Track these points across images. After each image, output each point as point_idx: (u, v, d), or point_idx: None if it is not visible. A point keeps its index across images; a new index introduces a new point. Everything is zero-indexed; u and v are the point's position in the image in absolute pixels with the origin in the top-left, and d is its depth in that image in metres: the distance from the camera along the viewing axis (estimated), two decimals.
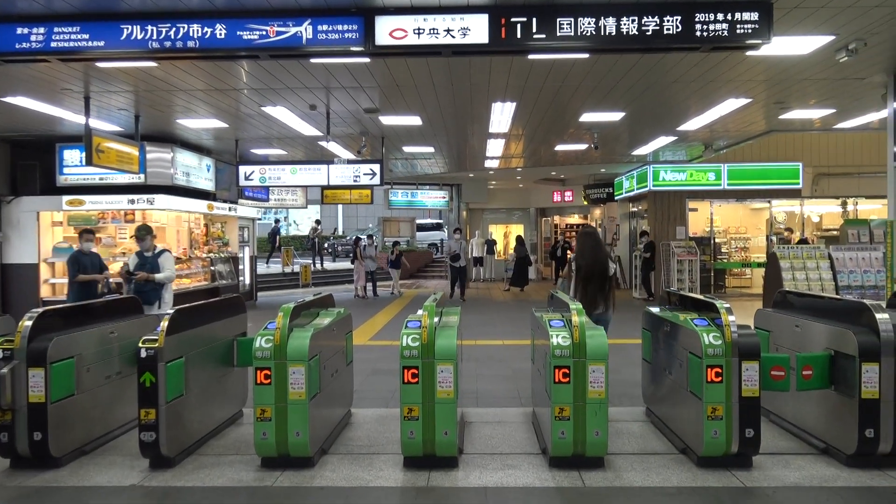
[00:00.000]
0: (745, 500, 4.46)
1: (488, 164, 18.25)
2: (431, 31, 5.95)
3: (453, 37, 5.95)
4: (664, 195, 18.70)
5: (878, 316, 4.92)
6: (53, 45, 6.09)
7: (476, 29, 5.92)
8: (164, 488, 4.73)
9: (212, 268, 15.61)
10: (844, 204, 19.24)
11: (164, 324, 5.07)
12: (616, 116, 11.21)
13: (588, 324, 5.11)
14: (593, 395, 4.90)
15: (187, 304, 5.62)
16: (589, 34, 5.88)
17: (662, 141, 14.20)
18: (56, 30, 6.06)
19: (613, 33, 5.88)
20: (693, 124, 11.93)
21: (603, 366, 4.90)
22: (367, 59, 7.56)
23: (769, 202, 19.51)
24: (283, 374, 4.97)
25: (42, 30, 6.07)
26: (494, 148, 15.11)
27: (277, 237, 28.70)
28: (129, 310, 6.48)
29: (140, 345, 5.00)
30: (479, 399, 7.29)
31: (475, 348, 10.30)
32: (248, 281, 17.96)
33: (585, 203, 25.63)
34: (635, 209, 21.67)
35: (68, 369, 5.19)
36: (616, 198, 22.27)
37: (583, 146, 14.34)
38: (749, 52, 6.88)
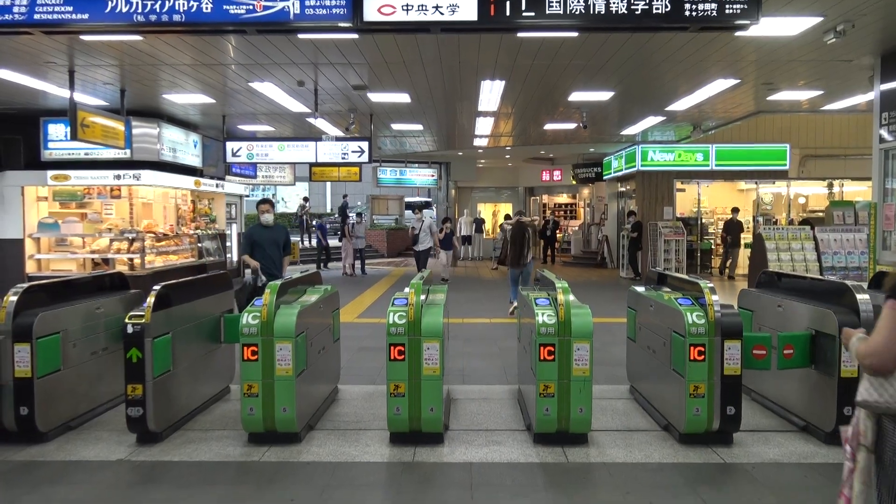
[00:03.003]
0: (725, 475, 4.54)
1: (477, 142, 18.21)
2: (420, 8, 5.89)
3: (442, 14, 5.89)
4: (652, 175, 18.73)
5: (859, 296, 4.99)
6: (36, 17, 5.98)
7: (465, 6, 5.85)
8: (152, 462, 4.76)
9: (199, 244, 15.54)
10: (831, 185, 19.38)
11: (151, 300, 5.07)
12: (605, 96, 11.21)
13: (574, 302, 5.15)
14: (578, 373, 4.95)
15: (174, 281, 5.62)
16: (578, 13, 5.84)
17: (651, 121, 14.22)
18: (39, 1, 5.95)
19: (603, 12, 5.84)
20: (682, 104, 11.95)
21: (588, 344, 4.95)
22: (355, 35, 7.50)
23: (756, 183, 19.62)
24: (271, 351, 5.00)
25: (25, 1, 5.97)
26: (483, 126, 15.07)
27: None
28: (115, 286, 6.47)
29: (127, 320, 5.01)
30: (466, 377, 7.35)
31: (462, 326, 10.36)
32: (235, 258, 17.90)
33: (574, 182, 25.67)
34: (623, 189, 21.72)
35: (54, 344, 5.19)
36: (604, 177, 22.29)
37: (572, 125, 14.34)
38: (738, 33, 6.88)
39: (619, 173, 20.22)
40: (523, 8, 5.87)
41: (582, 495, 4.26)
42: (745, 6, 5.82)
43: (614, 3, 5.86)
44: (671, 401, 5.31)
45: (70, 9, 5.98)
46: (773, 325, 5.83)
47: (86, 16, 6.00)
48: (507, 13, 5.88)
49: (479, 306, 12.69)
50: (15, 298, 5.09)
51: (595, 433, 5.27)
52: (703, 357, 4.95)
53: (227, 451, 4.97)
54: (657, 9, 5.84)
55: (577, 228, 26.30)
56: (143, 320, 4.98)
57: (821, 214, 19.88)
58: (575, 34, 7.03)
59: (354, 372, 7.40)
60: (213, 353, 6.11)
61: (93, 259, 13.16)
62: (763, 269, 7.54)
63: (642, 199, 19.28)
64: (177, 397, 5.41)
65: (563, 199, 29.81)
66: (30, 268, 12.89)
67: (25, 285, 5.29)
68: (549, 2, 5.86)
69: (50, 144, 12.86)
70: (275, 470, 4.61)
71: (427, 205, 34.89)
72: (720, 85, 10.31)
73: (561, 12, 5.86)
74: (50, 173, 12.83)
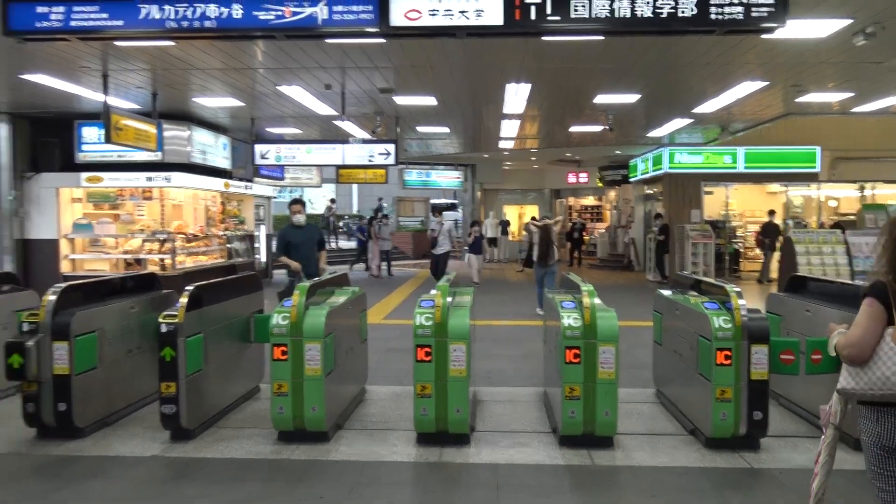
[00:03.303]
0: (752, 480, 4.54)
1: (503, 144, 18.23)
2: (446, 13, 5.95)
3: (468, 18, 5.95)
4: (679, 178, 18.60)
5: None
6: (73, 24, 6.14)
7: (490, 10, 5.90)
8: (185, 459, 4.87)
9: (228, 245, 15.77)
10: (862, 188, 19.09)
11: (184, 300, 5.19)
12: (631, 98, 11.18)
13: (599, 305, 5.17)
14: (603, 376, 4.98)
15: (206, 281, 5.74)
16: (603, 16, 5.86)
17: (678, 123, 14.13)
18: (75, 9, 6.10)
19: (628, 16, 5.85)
20: (709, 106, 11.87)
21: (613, 347, 4.97)
22: (382, 40, 7.58)
23: (785, 186, 19.39)
24: (300, 351, 5.08)
25: (61, 9, 6.12)
26: (509, 129, 15.09)
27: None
28: (148, 286, 6.62)
29: (160, 320, 5.13)
30: (492, 378, 7.38)
31: (489, 329, 10.39)
32: (263, 259, 18.12)
33: (600, 185, 25.57)
34: (650, 191, 21.59)
35: (91, 343, 5.33)
36: (631, 180, 22.19)
37: (598, 127, 14.30)
38: (764, 36, 6.84)
39: (646, 175, 20.12)
40: (548, 12, 5.90)
41: (607, 497, 4.29)
42: (773, 9, 5.80)
43: (639, 6, 5.87)
44: (697, 405, 5.30)
45: (105, 16, 6.13)
46: (802, 329, 5.78)
47: (120, 22, 6.14)
48: (533, 17, 5.91)
49: (506, 308, 12.71)
50: (54, 298, 5.24)
51: (621, 436, 5.28)
52: (729, 361, 4.94)
53: (257, 448, 5.07)
54: (683, 12, 5.84)
55: (603, 231, 26.18)
56: (177, 320, 5.10)
57: (853, 218, 19.64)
58: (600, 38, 7.02)
59: (382, 373, 7.48)
60: (244, 352, 6.23)
61: (125, 259, 13.41)
62: (792, 273, 7.49)
63: (669, 201, 19.16)
64: (209, 395, 5.52)
65: (590, 201, 29.70)
66: (64, 267, 13.18)
67: (63, 285, 5.44)
68: (575, 6, 5.89)
69: (84, 147, 13.13)
70: (304, 468, 4.70)
71: (453, 207, 34.92)
72: (748, 87, 10.23)
73: (586, 16, 5.88)
74: (84, 175, 13.10)
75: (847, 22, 6.98)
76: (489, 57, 8.66)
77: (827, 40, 7.66)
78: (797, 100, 11.42)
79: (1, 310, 6.35)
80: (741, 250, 20.11)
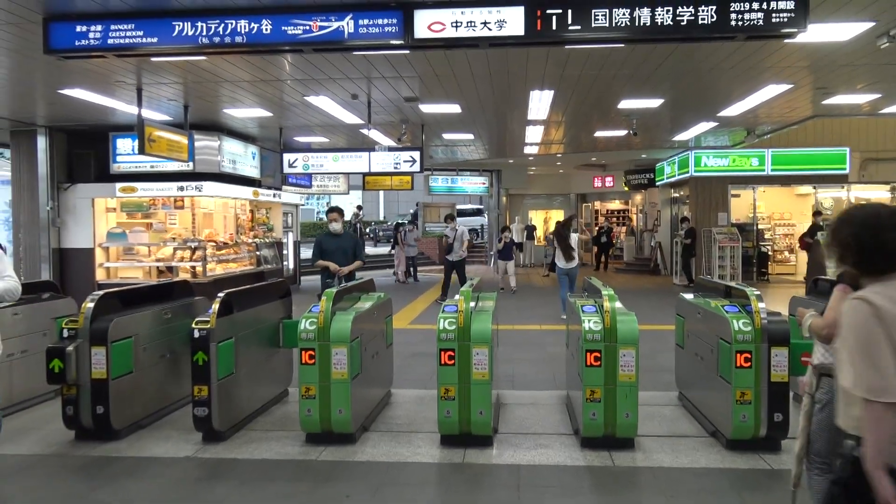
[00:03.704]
0: (771, 481, 4.59)
1: (528, 150, 18.30)
2: (469, 24, 6.11)
3: (490, 29, 6.09)
4: (706, 181, 18.52)
5: None
6: (110, 41, 6.41)
7: (512, 21, 6.05)
8: (217, 460, 5.05)
9: (257, 252, 16.06)
10: (893, 190, 18.83)
11: (216, 306, 5.38)
12: (655, 103, 11.21)
13: (620, 309, 5.25)
14: (624, 378, 5.06)
15: (236, 288, 5.93)
16: (624, 25, 5.96)
17: (703, 126, 14.10)
18: (112, 27, 6.37)
19: (648, 24, 5.95)
20: (734, 110, 11.84)
21: (633, 350, 5.05)
22: (406, 52, 7.74)
23: (814, 188, 19.19)
24: (327, 355, 5.24)
25: (99, 27, 6.40)
26: (533, 134, 15.18)
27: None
28: (181, 293, 6.84)
29: (193, 326, 5.32)
30: (515, 382, 7.48)
31: (512, 333, 10.48)
32: (291, 265, 18.40)
33: (626, 189, 25.49)
34: (677, 195, 21.49)
35: (127, 348, 5.55)
36: (657, 183, 22.10)
37: (622, 132, 14.32)
38: (786, 41, 6.86)
39: (672, 179, 20.04)
40: (569, 22, 6.02)
41: (626, 498, 4.37)
42: (792, 14, 5.86)
43: (660, 14, 5.96)
44: (718, 407, 5.36)
45: (140, 33, 6.39)
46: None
47: (155, 39, 6.40)
48: (554, 27, 6.04)
49: (530, 313, 12.79)
50: (92, 305, 5.47)
51: (642, 438, 5.35)
52: (749, 364, 4.99)
53: (286, 450, 5.23)
54: (703, 19, 5.92)
55: (629, 235, 26.09)
56: (209, 325, 5.29)
57: None
58: (622, 45, 7.11)
59: (407, 376, 7.61)
60: (273, 357, 6.40)
61: (158, 267, 13.74)
62: (818, 276, 7.49)
63: (696, 204, 19.08)
64: (239, 399, 5.70)
65: (616, 205, 29.60)
66: (99, 275, 13.54)
67: (101, 293, 5.67)
68: (595, 15, 6.00)
69: (118, 158, 13.50)
70: (331, 468, 4.85)
71: (479, 212, 35.08)
72: (772, 90, 10.21)
73: (607, 25, 5.99)
74: (118, 185, 13.47)
75: (869, 25, 6.98)
76: (512, 65, 8.77)
77: (850, 43, 7.65)
78: (824, 102, 11.35)
79: (41, 317, 6.61)
80: (769, 253, 19.95)
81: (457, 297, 5.38)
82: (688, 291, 6.86)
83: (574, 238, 12.80)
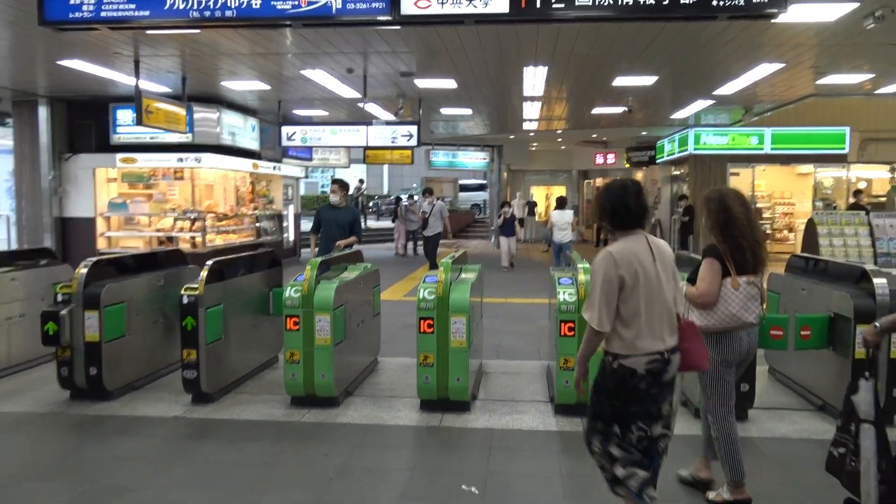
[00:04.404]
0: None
1: (527, 126, 18.36)
2: (454, 1, 6.16)
3: (475, 6, 6.16)
4: (705, 159, 18.55)
5: (876, 280, 5.12)
6: (103, 14, 6.50)
7: None
8: (204, 420, 5.27)
9: (257, 224, 16.24)
10: (893, 170, 18.85)
11: (204, 273, 5.57)
12: (650, 80, 11.26)
13: None
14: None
15: (225, 257, 6.11)
16: (607, 4, 6.02)
17: (700, 104, 14.14)
18: (105, 0, 6.49)
19: (630, 3, 5.99)
20: (729, 88, 11.89)
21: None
22: (396, 28, 7.82)
23: (814, 167, 19.22)
24: (311, 322, 5.43)
25: (93, 0, 6.52)
26: (532, 111, 15.24)
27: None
28: (174, 261, 7.03)
29: (182, 292, 5.52)
30: (500, 352, 7.68)
31: (503, 306, 10.67)
32: (291, 237, 18.58)
33: (627, 166, 25.52)
34: (677, 172, 21.54)
35: (120, 313, 5.75)
36: (658, 161, 22.16)
37: (620, 109, 14.36)
38: (772, 21, 6.91)
39: (672, 157, 20.09)
40: (553, 0, 6.10)
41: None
42: None
43: None
44: (687, 376, 5.53)
45: (133, 6, 6.48)
46: (797, 307, 5.95)
47: (147, 13, 6.49)
48: (538, 5, 6.10)
49: (524, 287, 12.97)
50: (85, 271, 5.66)
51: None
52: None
53: (271, 412, 5.44)
54: None
55: None
56: (197, 292, 5.48)
57: (883, 199, 19.39)
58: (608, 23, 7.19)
59: (396, 346, 7.80)
60: (262, 324, 6.60)
61: (158, 237, 13.93)
62: (814, 254, 7.63)
63: (695, 183, 19.13)
64: (227, 363, 5.91)
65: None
66: (100, 244, 13.74)
67: (94, 259, 5.86)
68: None
69: (119, 129, 13.62)
70: (312, 429, 5.07)
71: (482, 188, 35.14)
72: (765, 69, 10.25)
73: (590, 3, 6.05)
74: (119, 156, 13.62)
75: (854, 6, 7.04)
76: (504, 41, 8.85)
77: (838, 23, 7.70)
78: (819, 82, 11.39)
79: (39, 282, 6.82)
80: (768, 232, 20.03)
81: (439, 268, 5.56)
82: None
83: (568, 214, 12.97)
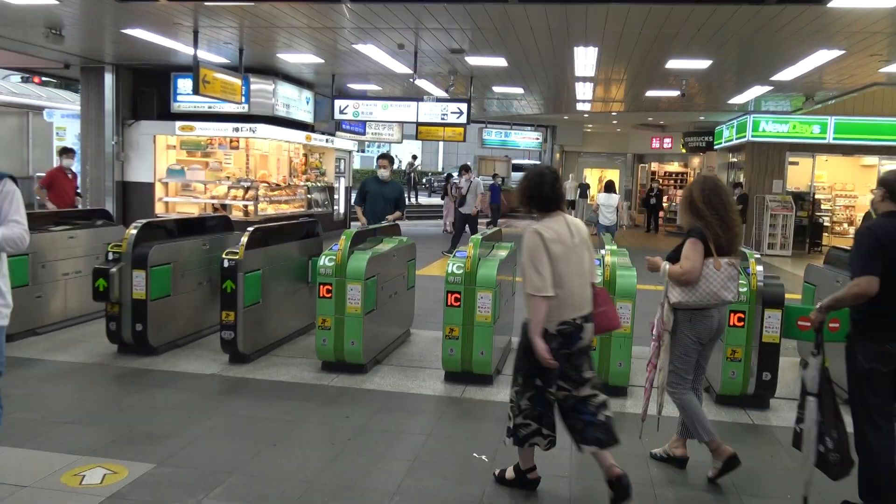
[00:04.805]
0: (749, 434, 4.80)
1: (581, 107, 18.21)
2: None
3: None
4: (763, 146, 18.09)
5: None
6: None
7: None
8: (238, 378, 5.55)
9: (309, 195, 16.61)
10: None
11: (244, 239, 5.82)
12: (703, 64, 11.06)
13: (621, 264, 5.48)
14: (619, 330, 5.30)
15: (266, 224, 6.36)
16: None
17: (758, 90, 13.79)
18: None
19: None
20: (787, 74, 11.58)
21: (630, 303, 5.31)
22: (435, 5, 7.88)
23: (879, 159, 18.53)
24: (343, 290, 5.62)
25: None
26: (584, 91, 15.12)
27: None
28: (221, 226, 7.33)
29: (223, 256, 5.78)
30: None
31: None
32: (342, 210, 18.93)
33: (683, 151, 25.06)
34: (734, 160, 21.06)
35: (165, 273, 6.07)
36: (715, 147, 21.69)
37: (674, 92, 14.14)
38: (827, 5, 6.75)
39: (730, 143, 19.67)
40: None
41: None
42: None
43: None
44: (712, 364, 5.54)
45: None
46: None
47: None
48: None
49: None
50: (135, 232, 5.99)
51: (637, 388, 5.59)
52: (742, 323, 5.17)
53: (302, 374, 5.69)
54: None
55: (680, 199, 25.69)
56: (237, 256, 5.73)
57: None
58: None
59: (431, 319, 7.93)
60: (300, 291, 6.84)
61: (213, 204, 14.40)
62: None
63: (751, 170, 18.68)
64: (264, 326, 6.18)
65: (674, 167, 29.11)
66: (158, 209, 14.30)
67: (144, 221, 6.19)
68: None
69: (179, 97, 14.10)
70: (338, 393, 5.29)
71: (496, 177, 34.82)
72: (824, 56, 9.96)
73: None
74: (178, 124, 14.11)
75: None
76: (553, 20, 8.82)
77: None
78: (882, 70, 11.01)
79: (94, 242, 7.21)
80: (827, 224, 19.46)
81: (469, 244, 5.68)
82: None
83: (614, 198, 12.96)
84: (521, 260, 3.54)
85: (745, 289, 5.16)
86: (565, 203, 3.88)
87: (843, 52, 9.73)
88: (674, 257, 4.02)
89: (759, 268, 5.22)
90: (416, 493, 3.73)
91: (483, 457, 4.21)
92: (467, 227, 14.43)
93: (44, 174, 10.59)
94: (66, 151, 10.07)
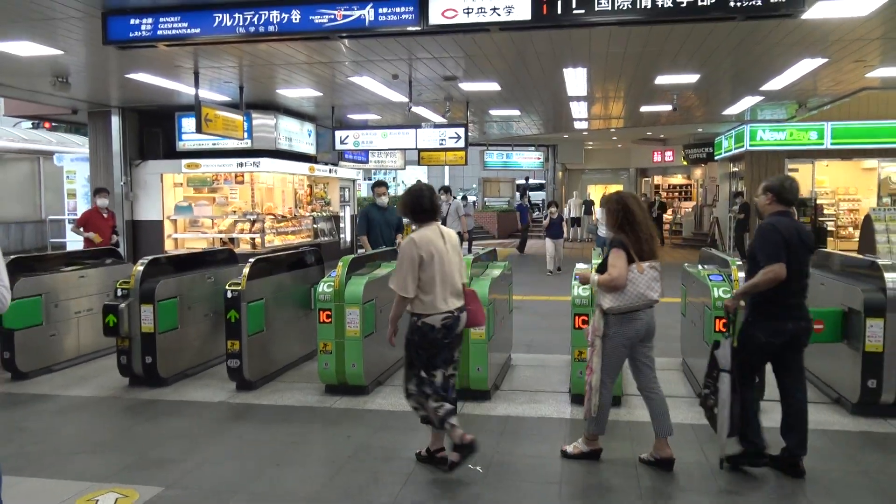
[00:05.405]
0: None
1: (578, 125, 18.48)
2: (479, 10, 6.51)
3: (499, 15, 6.49)
4: (762, 155, 18.21)
5: (887, 275, 5.19)
6: (159, 32, 7.14)
7: (519, 6, 6.41)
8: (245, 404, 5.76)
9: (315, 225, 16.90)
10: None
11: (246, 269, 6.06)
12: (692, 78, 11.30)
13: None
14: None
15: (268, 255, 6.60)
16: (626, 8, 6.25)
17: (750, 100, 14.01)
18: (161, 20, 7.09)
19: (649, 6, 6.21)
20: (775, 84, 11.79)
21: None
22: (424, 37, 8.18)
23: (878, 162, 18.62)
24: (342, 315, 5.82)
25: (150, 20, 7.12)
26: (579, 110, 15.39)
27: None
28: (225, 259, 7.58)
29: (227, 287, 6.02)
30: (532, 347, 7.94)
31: (542, 303, 10.90)
32: (348, 238, 19.21)
33: (685, 163, 25.24)
34: (736, 169, 21.21)
35: (172, 307, 6.31)
36: (716, 157, 21.86)
37: (667, 107, 14.37)
38: (800, 17, 6.95)
39: (730, 153, 19.82)
40: (574, 6, 6.36)
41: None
42: None
43: None
44: (704, 370, 5.69)
45: (185, 24, 7.09)
46: (817, 302, 5.99)
47: (198, 30, 7.10)
48: (559, 11, 6.40)
49: (567, 285, 13.10)
50: (141, 268, 6.25)
51: (629, 396, 5.75)
52: (727, 329, 5.32)
53: (305, 398, 5.89)
54: (703, 0, 6.16)
55: (689, 210, 25.86)
56: (240, 287, 5.97)
57: None
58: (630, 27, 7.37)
59: None
60: (304, 318, 7.05)
61: (220, 238, 14.71)
62: (870, 252, 7.62)
63: (751, 179, 18.79)
64: (269, 353, 6.39)
65: (678, 179, 29.30)
66: (167, 245, 14.63)
67: (150, 257, 6.45)
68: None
69: (184, 136, 14.49)
70: (341, 415, 5.48)
71: (541, 187, 35.21)
72: (809, 64, 10.17)
73: (609, 8, 6.30)
74: (184, 162, 14.48)
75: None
76: (539, 45, 9.10)
77: (872, 17, 7.65)
78: (869, 74, 11.20)
79: (104, 280, 7.46)
80: (830, 229, 19.51)
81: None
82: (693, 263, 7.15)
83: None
84: (398, 259, 4.23)
85: (727, 295, 5.32)
86: (440, 214, 4.54)
87: (826, 60, 9.93)
88: (602, 269, 4.35)
89: (741, 274, 5.38)
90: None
91: (478, 468, 4.38)
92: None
93: (78, 215, 10.81)
94: (99, 191, 10.27)
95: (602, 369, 4.36)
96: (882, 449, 4.79)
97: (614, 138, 24.20)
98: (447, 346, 4.24)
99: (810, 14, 7.31)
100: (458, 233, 15.25)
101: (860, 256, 5.96)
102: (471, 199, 26.23)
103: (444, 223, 14.89)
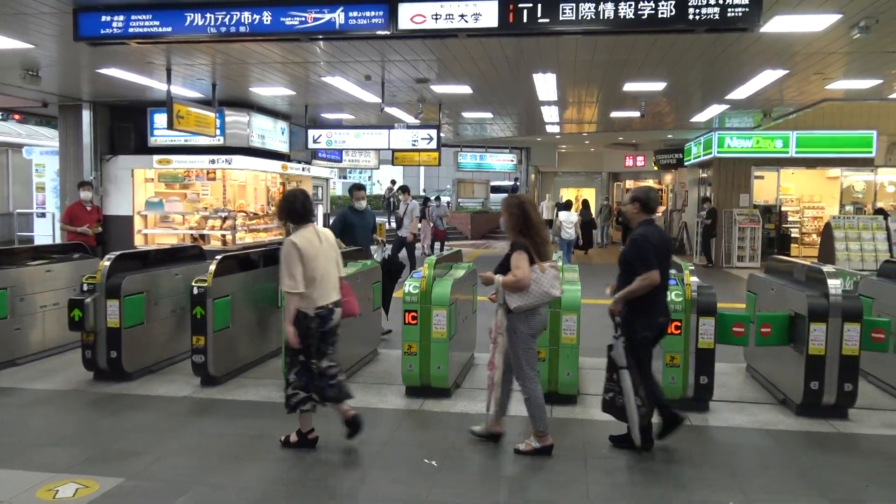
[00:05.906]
0: (692, 434, 5.12)
1: (550, 129, 18.71)
2: (447, 17, 6.67)
3: (466, 21, 6.64)
4: (729, 162, 18.58)
5: (830, 282, 5.43)
6: (130, 30, 7.18)
7: (486, 14, 6.58)
8: (209, 399, 5.85)
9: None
10: None
11: (212, 267, 6.14)
12: (659, 86, 11.55)
13: (568, 279, 5.83)
14: (566, 341, 5.73)
15: (234, 252, 6.68)
16: (589, 18, 6.44)
17: (717, 109, 14.33)
18: (133, 18, 7.13)
19: (611, 17, 6.41)
20: (739, 93, 12.09)
21: (575, 315, 5.68)
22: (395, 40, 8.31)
23: (848, 171, 19.11)
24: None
25: (121, 18, 7.16)
26: (551, 114, 15.60)
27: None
28: (194, 256, 7.64)
29: (193, 283, 6.10)
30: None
31: None
32: None
33: (656, 168, 25.62)
34: (704, 175, 21.60)
35: (139, 302, 6.37)
36: (685, 163, 22.23)
37: (635, 113, 14.64)
38: (759, 31, 7.18)
39: (698, 160, 20.17)
40: (539, 15, 6.54)
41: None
42: (747, 9, 6.25)
43: (622, 8, 6.44)
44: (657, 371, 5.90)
45: (157, 23, 7.15)
46: (768, 307, 6.28)
47: (169, 29, 7.15)
48: (525, 20, 6.57)
49: None
50: (108, 263, 6.30)
51: (585, 396, 5.94)
52: (679, 331, 5.53)
53: (270, 394, 5.98)
54: (662, 13, 6.38)
55: (658, 215, 26.24)
56: (206, 284, 6.05)
57: None
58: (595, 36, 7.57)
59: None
60: (270, 316, 7.13)
61: (191, 234, 14.68)
62: (830, 258, 7.88)
63: (718, 185, 19.19)
64: (234, 350, 6.48)
65: (650, 184, 29.69)
66: (138, 241, 14.54)
67: (117, 253, 6.50)
68: (563, 9, 6.51)
69: (155, 132, 14.42)
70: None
71: (515, 189, 35.43)
72: (769, 76, 10.46)
73: (573, 18, 6.49)
74: (155, 157, 14.42)
75: (837, 17, 7.28)
76: (508, 50, 9.26)
77: (826, 33, 7.93)
78: (828, 87, 11.54)
79: (71, 275, 7.49)
80: (795, 235, 19.98)
81: (423, 265, 6.01)
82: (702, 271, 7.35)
83: (573, 215, 13.48)
84: (281, 260, 4.53)
85: (679, 298, 5.54)
86: (314, 216, 4.97)
87: (787, 71, 10.23)
88: (501, 271, 4.66)
89: (694, 279, 5.60)
90: (369, 495, 4.04)
91: (433, 462, 4.52)
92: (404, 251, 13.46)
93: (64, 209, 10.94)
94: (83, 184, 10.43)
95: (520, 365, 4.70)
96: (821, 448, 5.01)
97: (587, 142, 24.51)
98: (321, 335, 4.59)
99: (769, 28, 7.57)
100: (415, 235, 14.38)
101: (807, 263, 6.19)
102: (444, 199, 26.36)
103: (400, 224, 15.12)
